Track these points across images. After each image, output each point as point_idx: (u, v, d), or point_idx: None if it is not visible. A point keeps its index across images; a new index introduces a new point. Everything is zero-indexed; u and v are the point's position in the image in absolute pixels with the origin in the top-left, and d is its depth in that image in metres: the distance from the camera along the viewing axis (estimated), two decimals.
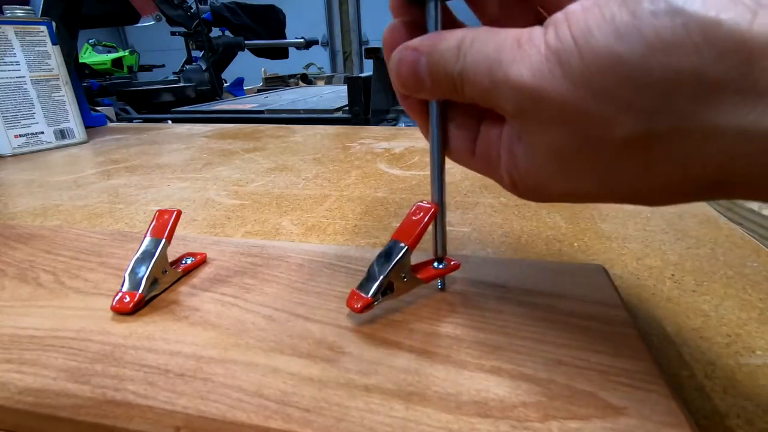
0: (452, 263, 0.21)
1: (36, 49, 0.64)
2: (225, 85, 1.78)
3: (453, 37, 0.15)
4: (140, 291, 0.20)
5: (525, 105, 0.13)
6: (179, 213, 0.23)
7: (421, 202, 0.20)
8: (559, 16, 0.13)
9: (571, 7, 0.12)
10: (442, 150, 0.18)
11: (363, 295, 0.19)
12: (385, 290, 0.19)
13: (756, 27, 0.10)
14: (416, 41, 0.16)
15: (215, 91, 1.54)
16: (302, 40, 2.06)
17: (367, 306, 0.18)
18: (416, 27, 0.17)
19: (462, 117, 0.18)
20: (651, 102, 0.11)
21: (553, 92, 0.12)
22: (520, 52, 0.13)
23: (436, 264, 0.21)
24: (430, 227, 0.20)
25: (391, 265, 0.19)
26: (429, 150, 0.19)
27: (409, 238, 0.19)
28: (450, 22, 0.18)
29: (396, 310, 0.20)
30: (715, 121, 0.11)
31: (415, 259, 0.21)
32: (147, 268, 0.21)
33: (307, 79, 2.08)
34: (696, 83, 0.10)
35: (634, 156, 0.12)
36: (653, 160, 0.12)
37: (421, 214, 0.19)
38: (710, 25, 0.10)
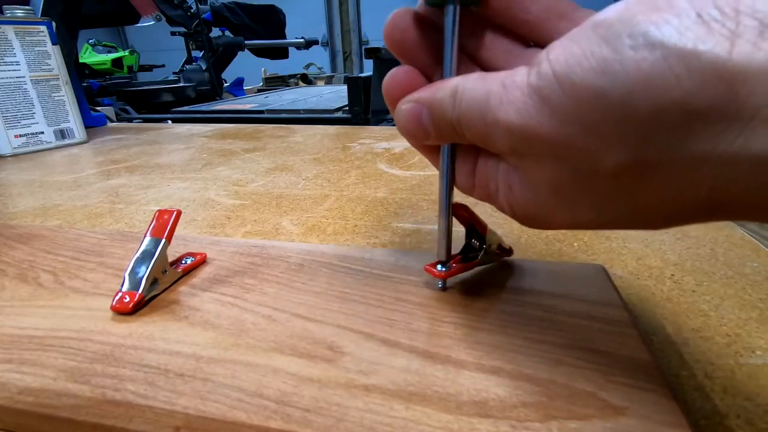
0: (454, 266, 0.21)
1: (36, 49, 0.64)
2: (225, 85, 1.78)
3: (448, 86, 0.15)
4: (140, 291, 0.20)
5: (516, 144, 0.14)
6: (179, 213, 0.23)
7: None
8: (541, 54, 0.13)
9: (553, 45, 0.13)
10: (451, 185, 0.19)
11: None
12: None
13: (735, 56, 0.10)
14: (416, 94, 0.16)
15: (215, 91, 1.54)
16: (302, 40, 2.06)
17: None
18: (417, 72, 0.17)
19: (461, 152, 0.18)
20: (637, 134, 0.11)
21: (540, 129, 0.13)
22: (506, 94, 0.13)
23: (439, 267, 0.21)
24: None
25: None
26: (438, 184, 0.19)
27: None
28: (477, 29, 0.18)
29: (396, 310, 0.20)
30: (701, 148, 0.11)
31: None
32: (147, 268, 0.21)
33: (307, 79, 2.08)
34: (680, 113, 0.11)
35: (626, 185, 0.12)
36: (645, 188, 0.12)
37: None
38: (690, 56, 0.10)
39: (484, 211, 0.35)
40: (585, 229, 0.15)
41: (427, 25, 0.17)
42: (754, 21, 0.10)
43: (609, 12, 0.12)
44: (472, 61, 0.18)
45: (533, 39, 0.17)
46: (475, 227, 0.22)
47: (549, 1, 0.16)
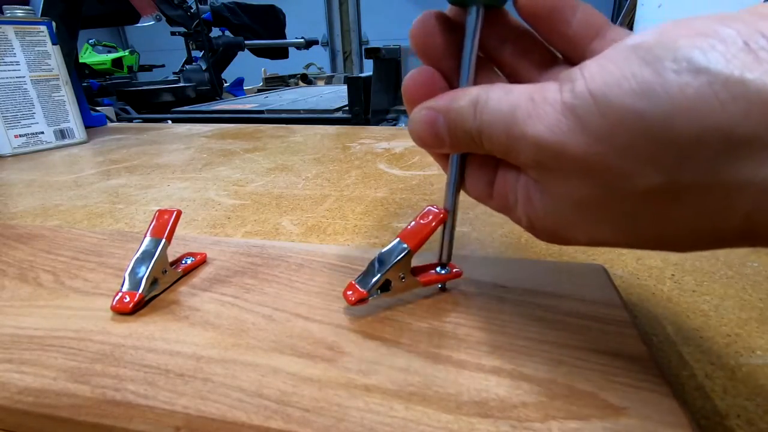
0: (454, 270, 0.21)
1: (36, 49, 0.64)
2: (225, 85, 1.78)
3: (467, 95, 0.15)
4: (140, 291, 0.20)
5: (544, 159, 0.14)
6: (179, 213, 0.23)
7: (432, 206, 0.20)
8: (575, 72, 0.13)
9: (587, 63, 0.13)
10: (458, 190, 0.19)
11: (359, 288, 0.19)
12: (382, 288, 0.19)
13: None
14: (432, 102, 0.16)
15: (215, 91, 1.54)
16: (302, 40, 2.06)
17: (361, 300, 0.19)
18: (438, 74, 0.17)
19: (480, 161, 0.18)
20: (675, 158, 0.11)
21: (572, 146, 0.13)
22: (534, 109, 0.13)
23: (438, 269, 0.21)
24: (438, 232, 0.20)
25: (390, 264, 0.19)
26: (445, 189, 0.19)
27: (412, 241, 0.19)
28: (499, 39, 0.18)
29: (396, 310, 0.20)
30: (740, 175, 0.11)
31: (420, 260, 0.21)
32: (147, 268, 0.21)
33: (307, 79, 2.08)
34: (721, 139, 0.10)
35: (656, 207, 0.12)
36: (677, 211, 0.12)
37: (430, 218, 0.20)
38: (736, 84, 0.10)
39: (484, 210, 0.35)
40: (606, 247, 0.15)
41: (456, 29, 0.17)
42: None
43: (648, 35, 0.12)
44: (500, 68, 0.18)
45: (566, 54, 0.17)
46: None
47: (587, 14, 0.16)
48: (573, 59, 0.16)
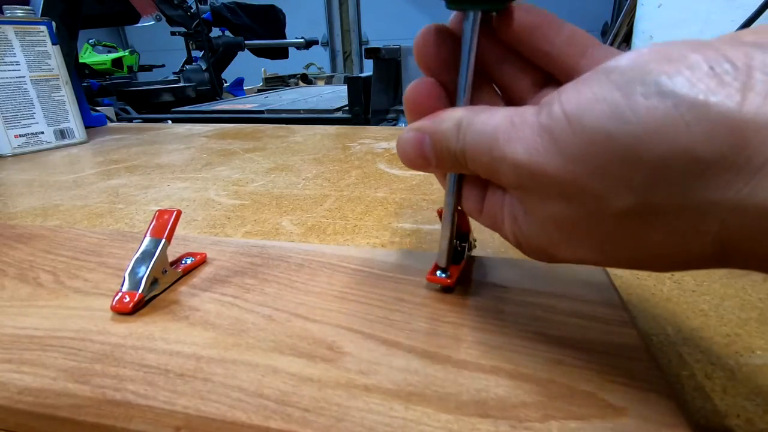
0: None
1: (36, 49, 0.64)
2: (225, 85, 1.78)
3: (452, 117, 0.16)
4: (140, 291, 0.20)
5: (522, 180, 0.14)
6: (179, 213, 0.23)
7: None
8: (553, 96, 0.13)
9: (565, 87, 0.13)
10: (457, 202, 0.19)
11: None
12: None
13: (746, 108, 0.10)
14: (418, 123, 0.17)
15: (215, 91, 1.54)
16: (302, 40, 2.06)
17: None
18: (438, 85, 0.18)
19: (472, 178, 0.18)
20: (645, 178, 0.11)
21: (547, 167, 0.13)
22: (514, 131, 0.14)
23: (438, 273, 0.21)
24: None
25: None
26: (444, 202, 0.20)
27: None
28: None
29: (396, 310, 0.20)
30: (708, 196, 0.11)
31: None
32: (147, 268, 0.21)
33: (307, 79, 2.08)
34: (688, 161, 0.11)
35: (631, 228, 0.13)
36: (649, 233, 0.12)
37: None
38: (700, 107, 0.10)
39: None
40: (586, 264, 0.15)
41: (457, 42, 0.17)
42: (765, 76, 0.10)
43: (622, 59, 0.12)
44: (498, 87, 0.19)
45: (553, 74, 0.17)
46: (461, 229, 0.22)
47: (571, 33, 0.16)
48: (561, 80, 0.16)
